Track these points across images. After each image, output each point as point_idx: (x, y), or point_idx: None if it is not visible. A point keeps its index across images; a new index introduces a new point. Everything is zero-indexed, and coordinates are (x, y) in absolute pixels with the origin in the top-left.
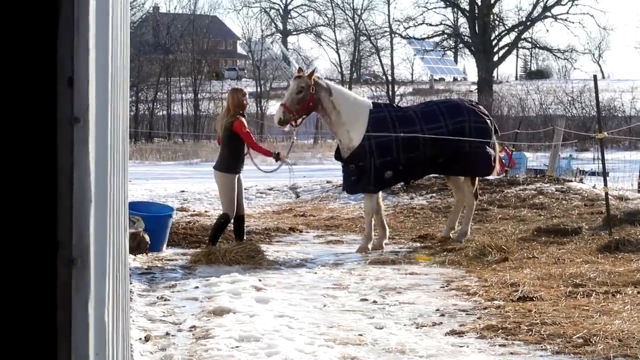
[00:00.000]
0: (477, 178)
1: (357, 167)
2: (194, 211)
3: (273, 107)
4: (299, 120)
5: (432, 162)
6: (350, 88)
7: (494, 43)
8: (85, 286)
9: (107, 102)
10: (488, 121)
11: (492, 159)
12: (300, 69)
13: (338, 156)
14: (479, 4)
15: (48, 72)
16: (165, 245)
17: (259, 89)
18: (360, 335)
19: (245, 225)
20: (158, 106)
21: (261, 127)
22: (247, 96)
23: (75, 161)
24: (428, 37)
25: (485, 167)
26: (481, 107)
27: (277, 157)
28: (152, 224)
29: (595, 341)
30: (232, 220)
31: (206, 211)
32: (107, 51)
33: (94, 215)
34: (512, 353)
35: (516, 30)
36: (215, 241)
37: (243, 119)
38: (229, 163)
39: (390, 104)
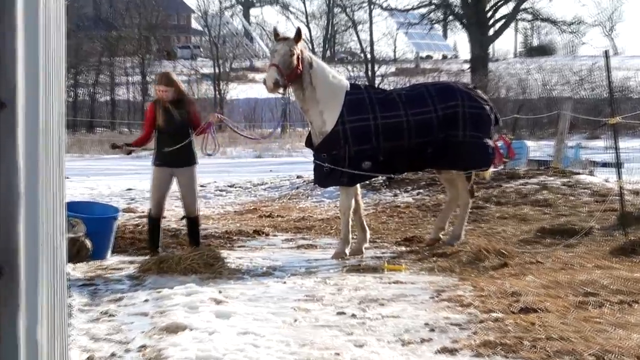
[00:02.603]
0: (472, 173)
1: (330, 156)
2: (142, 212)
3: (233, 91)
4: (286, 89)
5: (419, 153)
6: None
7: (489, 15)
8: (13, 299)
9: (39, 84)
10: (486, 107)
11: (491, 150)
12: (276, 31)
13: (309, 143)
14: None
15: None
16: (109, 252)
17: (216, 70)
18: (337, 354)
19: (200, 228)
20: (100, 91)
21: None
22: (158, 81)
23: (2, 152)
24: (413, 9)
25: (482, 160)
26: (478, 90)
27: (128, 151)
28: (94, 227)
29: (610, 359)
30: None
31: None
32: (37, 26)
33: (24, 216)
34: None
35: None
36: (155, 245)
37: (153, 107)
38: (154, 154)
39: (370, 86)
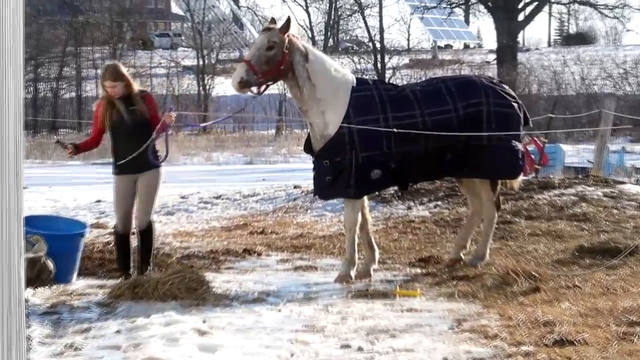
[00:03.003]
0: (499, 182)
1: (334, 163)
2: (114, 228)
3: (220, 87)
4: (263, 87)
5: (436, 159)
6: None
7: None
8: None
9: None
10: (514, 105)
11: (520, 155)
12: (273, 19)
13: (308, 148)
14: None
15: None
16: (75, 275)
17: (200, 62)
18: None
19: (153, 245)
20: (65, 86)
21: (205, 111)
22: (105, 76)
23: None
24: None
25: (510, 167)
26: (505, 86)
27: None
28: (57, 246)
29: None
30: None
31: None
32: None
33: None
34: None
35: None
36: (126, 267)
37: (101, 104)
38: (113, 160)
39: (380, 80)
